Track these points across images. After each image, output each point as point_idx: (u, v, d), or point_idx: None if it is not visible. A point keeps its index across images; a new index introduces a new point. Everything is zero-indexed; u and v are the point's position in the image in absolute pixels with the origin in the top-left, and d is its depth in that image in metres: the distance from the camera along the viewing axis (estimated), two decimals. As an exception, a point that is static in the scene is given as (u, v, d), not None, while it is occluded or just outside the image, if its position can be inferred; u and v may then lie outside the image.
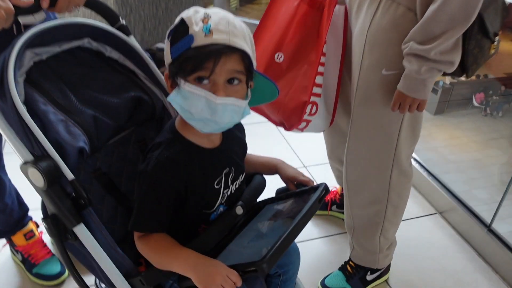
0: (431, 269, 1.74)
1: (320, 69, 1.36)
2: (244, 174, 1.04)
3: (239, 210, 0.96)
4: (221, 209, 0.99)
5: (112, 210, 1.03)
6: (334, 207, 1.94)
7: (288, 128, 1.44)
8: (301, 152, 2.37)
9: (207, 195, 0.95)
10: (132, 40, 1.13)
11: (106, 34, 1.07)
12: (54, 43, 1.00)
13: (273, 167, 1.12)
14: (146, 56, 1.13)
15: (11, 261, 1.64)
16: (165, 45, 0.87)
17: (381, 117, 1.29)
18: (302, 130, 1.46)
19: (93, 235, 0.91)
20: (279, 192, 1.12)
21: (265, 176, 1.11)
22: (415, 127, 1.33)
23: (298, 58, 1.36)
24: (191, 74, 0.83)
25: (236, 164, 1.00)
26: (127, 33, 1.12)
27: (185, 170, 0.90)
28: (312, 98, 1.36)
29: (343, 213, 1.83)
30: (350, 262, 1.64)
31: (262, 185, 1.07)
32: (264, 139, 2.45)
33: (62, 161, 0.88)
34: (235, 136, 1.04)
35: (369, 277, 1.62)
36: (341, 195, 1.90)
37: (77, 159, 0.94)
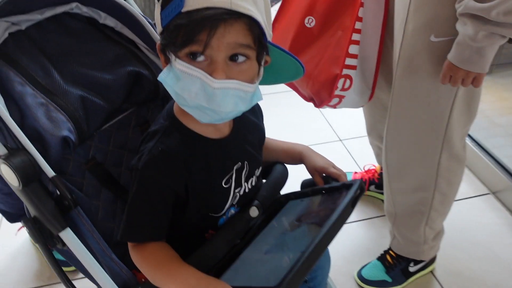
0: (483, 258, 1.54)
1: (355, 37, 1.16)
2: (261, 168, 0.86)
3: (253, 212, 0.79)
4: (232, 211, 0.82)
5: (110, 206, 0.88)
6: (372, 187, 1.75)
7: (318, 104, 1.26)
8: (336, 124, 2.17)
9: (213, 196, 0.78)
10: (131, 3, 0.95)
11: (97, -4, 0.89)
12: (34, 10, 0.83)
13: (297, 155, 0.94)
14: (147, 22, 0.95)
15: (29, 244, 1.57)
16: (155, 9, 0.69)
17: (428, 92, 1.08)
18: (334, 106, 1.27)
19: (83, 240, 0.77)
20: (304, 185, 0.94)
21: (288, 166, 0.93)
22: (471, 104, 1.10)
23: (331, 22, 1.17)
24: (182, 48, 0.65)
25: (250, 157, 0.82)
26: (125, -5, 0.95)
27: (185, 166, 0.73)
28: (345, 71, 1.17)
29: (382, 193, 1.65)
30: (390, 252, 1.46)
31: (283, 178, 0.89)
32: (293, 109, 2.26)
33: (40, 155, 0.74)
34: (248, 122, 0.85)
35: (412, 268, 1.45)
36: (380, 174, 1.71)
37: (61, 151, 0.79)
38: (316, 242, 0.65)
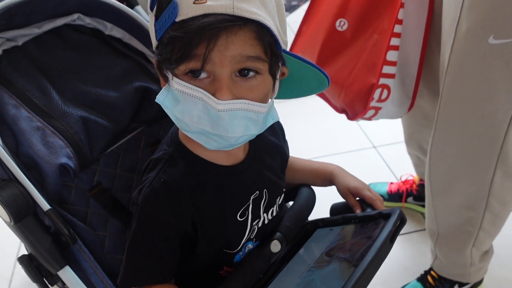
0: (538, 278, 1.38)
1: (394, 41, 1.04)
2: (283, 196, 0.76)
3: (275, 246, 0.69)
4: (250, 246, 0.72)
5: (118, 236, 0.80)
6: (410, 199, 1.61)
7: (352, 117, 1.15)
8: (370, 129, 2.03)
9: (227, 232, 0.68)
10: (140, 12, 0.87)
11: (101, 6, 0.82)
12: (31, 24, 0.76)
13: (328, 175, 0.83)
14: (157, 32, 0.87)
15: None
16: (149, 20, 0.60)
17: (483, 102, 0.94)
18: (369, 119, 1.16)
19: (86, 279, 0.70)
20: (334, 209, 0.83)
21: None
22: None
23: (366, 25, 1.06)
24: (178, 65, 0.56)
25: (270, 184, 0.72)
26: (132, 4, 0.87)
27: (192, 200, 0.64)
28: (382, 80, 1.05)
29: (421, 205, 1.52)
30: (432, 272, 1.33)
31: (310, 204, 0.78)
32: (321, 114, 2.12)
33: (37, 185, 0.66)
34: (267, 143, 0.75)
35: (456, 291, 1.31)
36: (419, 185, 1.57)
37: (59, 179, 0.71)
38: None
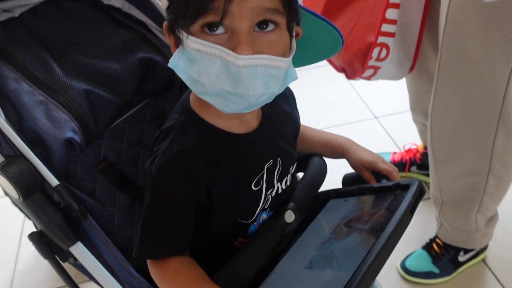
0: (541, 243, 1.40)
1: None
2: (295, 165, 0.75)
3: (289, 216, 0.67)
4: (264, 216, 0.71)
5: (127, 211, 0.79)
6: (413, 168, 1.61)
7: (350, 75, 1.13)
8: (371, 100, 2.01)
9: (242, 201, 0.66)
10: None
11: (99, -26, 0.78)
12: (27, -7, 0.73)
13: (339, 149, 0.81)
14: (158, 0, 0.84)
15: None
16: None
17: (480, 63, 0.93)
18: (368, 78, 1.14)
19: (97, 254, 0.69)
20: (347, 180, 0.82)
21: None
22: None
23: None
24: (194, 20, 0.53)
25: (283, 152, 0.70)
26: (131, -30, 0.83)
27: (207, 169, 0.62)
28: (381, 39, 1.03)
29: (425, 174, 1.52)
30: (437, 240, 1.34)
31: (322, 174, 0.76)
32: (321, 86, 2.11)
33: (43, 161, 0.64)
34: (280, 111, 0.73)
35: (461, 257, 1.32)
36: (423, 154, 1.57)
37: (66, 154, 0.70)
38: (371, 260, 0.53)
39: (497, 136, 1.03)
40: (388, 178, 0.75)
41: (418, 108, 1.46)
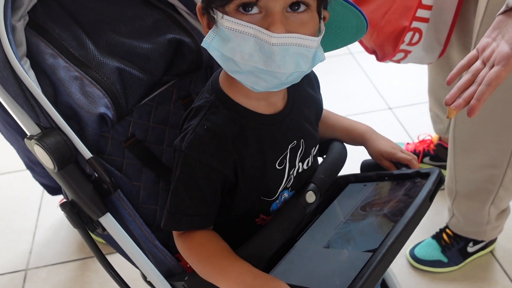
0: (550, 237, 1.41)
1: None
2: (317, 147, 0.77)
3: (310, 197, 0.70)
4: (286, 195, 0.73)
5: (152, 187, 0.82)
6: (426, 159, 1.62)
7: (381, 58, 1.13)
8: (386, 91, 2.02)
9: (266, 179, 0.69)
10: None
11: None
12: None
13: (359, 137, 0.83)
14: (187, -17, 0.85)
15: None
16: None
17: None
18: (398, 61, 1.14)
19: (124, 226, 0.72)
20: (365, 166, 0.84)
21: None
22: None
23: None
24: (230, 0, 0.55)
25: (307, 134, 0.73)
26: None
27: (234, 146, 0.65)
28: (415, 24, 1.03)
29: (438, 166, 1.53)
30: (448, 230, 1.36)
31: (342, 158, 0.79)
32: (340, 74, 2.12)
33: (76, 134, 0.67)
34: (305, 93, 0.75)
35: (470, 248, 1.34)
36: (436, 145, 1.58)
37: (98, 129, 0.72)
38: (391, 243, 0.56)
39: None
40: (407, 167, 0.76)
41: (433, 95, 1.47)
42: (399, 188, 0.70)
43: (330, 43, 0.70)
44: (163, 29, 0.83)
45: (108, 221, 0.69)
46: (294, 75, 0.61)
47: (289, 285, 0.57)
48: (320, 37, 0.61)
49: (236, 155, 0.65)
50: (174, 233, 0.69)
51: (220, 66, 0.64)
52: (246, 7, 0.56)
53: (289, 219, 0.68)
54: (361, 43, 1.22)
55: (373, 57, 1.22)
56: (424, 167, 1.62)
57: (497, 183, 1.14)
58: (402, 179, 0.72)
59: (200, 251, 0.65)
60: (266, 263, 0.68)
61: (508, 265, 1.35)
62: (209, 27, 0.61)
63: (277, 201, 0.72)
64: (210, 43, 0.59)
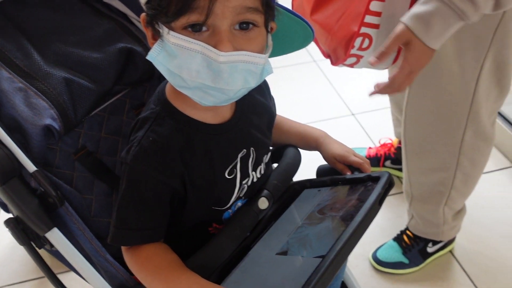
0: (505, 235, 1.46)
1: None
2: (269, 154, 0.77)
3: (263, 203, 0.70)
4: (239, 204, 0.73)
5: (104, 199, 0.80)
6: (388, 163, 1.65)
7: (334, 62, 1.15)
8: (348, 97, 2.05)
9: (216, 189, 0.69)
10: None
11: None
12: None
13: (313, 142, 0.84)
14: (138, -9, 0.84)
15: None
16: None
17: (451, 60, 0.96)
18: (351, 66, 1.16)
19: (74, 240, 0.70)
20: (321, 171, 0.84)
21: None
22: (501, 78, 0.99)
23: None
24: (176, 18, 0.55)
25: (256, 142, 0.73)
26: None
27: (181, 158, 0.64)
28: (364, 29, 1.05)
29: (399, 169, 1.57)
30: (408, 232, 1.39)
31: (296, 164, 0.79)
32: (304, 82, 2.14)
33: (21, 147, 0.65)
34: (254, 102, 0.75)
35: (430, 249, 1.37)
36: (397, 148, 1.61)
37: (44, 141, 0.70)
38: (339, 249, 0.56)
39: (466, 133, 1.07)
40: (360, 170, 0.78)
41: (393, 101, 1.50)
42: (353, 192, 0.72)
43: (278, 50, 0.71)
44: (114, 38, 0.82)
45: (56, 237, 0.67)
46: (242, 91, 0.61)
47: None
48: (267, 54, 0.61)
49: (183, 166, 0.65)
50: (122, 248, 0.67)
51: None
52: (194, 26, 0.56)
53: (241, 226, 0.68)
54: (318, 47, 1.24)
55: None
56: (386, 171, 1.66)
57: (448, 186, 1.17)
58: (355, 183, 0.74)
59: (148, 265, 0.64)
60: (220, 273, 0.67)
61: (467, 263, 1.39)
62: (155, 39, 0.60)
63: (230, 210, 0.72)
64: (156, 57, 0.59)
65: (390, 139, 1.66)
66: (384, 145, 1.66)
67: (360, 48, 1.08)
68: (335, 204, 0.71)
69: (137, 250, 0.65)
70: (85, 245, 0.70)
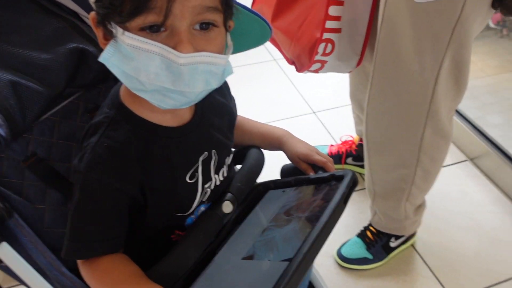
0: (463, 227, 1.51)
1: None
2: (231, 156, 0.75)
3: (227, 207, 0.68)
4: (202, 208, 0.71)
5: (58, 209, 0.75)
6: (349, 160, 1.67)
7: (299, 69, 1.15)
8: (310, 96, 2.06)
9: (177, 195, 0.66)
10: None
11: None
12: None
13: (276, 141, 0.82)
14: (90, -12, 0.80)
15: None
16: None
17: (411, 59, 0.98)
18: (316, 71, 1.16)
19: (26, 255, 0.65)
20: (285, 171, 0.83)
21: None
22: (459, 76, 1.02)
23: None
24: (131, 18, 0.52)
25: (218, 144, 0.71)
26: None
27: (139, 164, 0.61)
28: (326, 35, 1.06)
29: (360, 166, 1.59)
30: (371, 228, 1.41)
31: (260, 165, 0.78)
32: (264, 81, 2.14)
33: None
34: (214, 102, 0.73)
35: (392, 243, 1.40)
36: (358, 145, 1.63)
37: (-12, 150, 0.65)
38: (305, 251, 0.55)
39: (425, 131, 1.09)
40: (324, 169, 0.77)
41: (354, 100, 1.52)
42: (318, 191, 0.71)
43: (236, 47, 0.69)
44: (64, 38, 0.77)
45: (4, 251, 0.63)
46: (203, 93, 0.59)
47: None
48: (229, 54, 0.59)
49: (142, 173, 0.61)
50: (78, 260, 0.63)
51: None
52: (151, 27, 0.53)
53: (205, 232, 0.65)
54: (283, 54, 1.24)
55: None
56: (347, 167, 1.68)
57: (409, 182, 1.19)
58: (319, 183, 0.73)
59: (106, 279, 0.60)
60: (184, 282, 0.65)
61: (428, 256, 1.43)
62: (106, 39, 0.57)
63: (193, 215, 0.69)
64: (109, 59, 0.55)
65: (351, 136, 1.68)
66: (345, 142, 1.67)
67: (323, 54, 1.08)
68: (301, 204, 0.70)
69: (94, 262, 0.61)
70: (38, 259, 0.66)
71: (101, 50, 0.79)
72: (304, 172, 0.79)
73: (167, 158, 0.64)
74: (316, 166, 0.78)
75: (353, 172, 0.68)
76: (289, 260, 0.56)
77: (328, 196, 0.65)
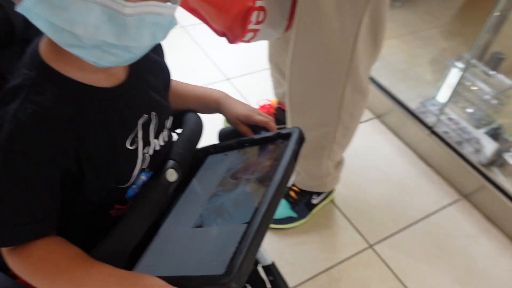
0: (375, 180, 1.63)
1: None
2: (171, 118, 0.71)
3: (171, 175, 0.64)
4: (143, 177, 0.66)
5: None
6: (267, 124, 1.68)
7: (232, 40, 1.11)
8: (222, 62, 2.03)
9: (117, 163, 0.60)
10: None
11: None
12: None
13: (213, 103, 0.79)
14: None
15: None
16: None
17: (332, 17, 1.00)
18: (248, 41, 1.13)
19: None
20: (223, 135, 0.81)
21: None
22: (377, 33, 1.06)
23: None
24: None
25: (157, 105, 0.66)
26: None
27: (73, 130, 0.54)
28: (259, 3, 1.03)
29: (279, 129, 1.61)
30: (294, 187, 1.45)
31: (199, 129, 0.74)
32: (175, 49, 2.05)
33: None
34: (149, 60, 0.67)
35: (314, 200, 1.46)
36: (276, 109, 1.66)
37: None
38: (264, 210, 0.54)
39: (346, 88, 1.12)
40: (266, 129, 0.76)
41: (273, 63, 1.52)
42: (264, 151, 0.70)
43: None
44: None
45: None
46: (148, 48, 0.53)
47: (161, 278, 0.51)
48: (177, 3, 0.54)
49: (76, 140, 0.54)
50: (4, 249, 0.55)
51: (40, 34, 0.52)
52: None
53: (150, 203, 0.61)
54: (211, 27, 1.19)
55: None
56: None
57: (329, 139, 1.24)
58: (264, 143, 0.72)
59: (43, 266, 0.53)
60: (128, 259, 0.60)
61: (346, 209, 1.52)
62: None
63: (134, 186, 0.64)
64: (33, 8, 0.46)
65: (269, 100, 1.70)
66: (263, 106, 1.69)
67: (256, 22, 1.06)
68: (248, 166, 0.68)
69: (25, 249, 0.54)
70: None
71: (2, 9, 0.69)
72: (244, 134, 0.77)
73: (104, 123, 0.57)
74: (257, 127, 0.77)
75: (300, 129, 0.68)
76: (248, 223, 0.55)
77: (277, 154, 0.64)
